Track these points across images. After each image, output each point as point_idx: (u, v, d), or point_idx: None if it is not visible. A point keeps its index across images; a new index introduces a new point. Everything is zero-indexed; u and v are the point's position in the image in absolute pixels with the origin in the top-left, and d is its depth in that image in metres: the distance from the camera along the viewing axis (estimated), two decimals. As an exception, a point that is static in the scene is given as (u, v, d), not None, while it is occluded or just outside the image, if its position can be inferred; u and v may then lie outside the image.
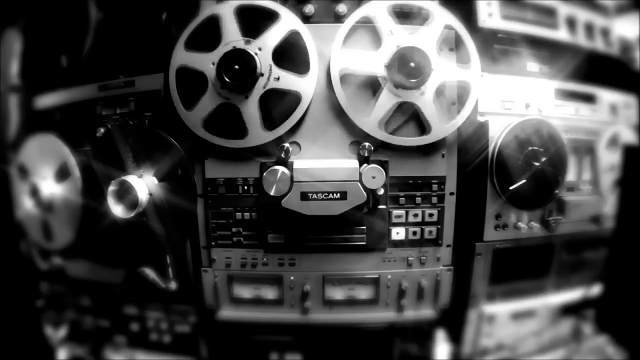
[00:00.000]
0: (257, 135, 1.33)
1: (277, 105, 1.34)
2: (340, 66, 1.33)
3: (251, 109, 1.31)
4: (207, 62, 1.31)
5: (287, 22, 1.33)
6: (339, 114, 1.36)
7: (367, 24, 1.35)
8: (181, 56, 1.34)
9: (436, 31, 1.34)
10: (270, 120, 1.34)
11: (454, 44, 1.39)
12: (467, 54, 1.36)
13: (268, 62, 1.30)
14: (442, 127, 1.34)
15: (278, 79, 1.31)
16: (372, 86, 1.35)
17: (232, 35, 1.31)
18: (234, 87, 1.28)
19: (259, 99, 1.31)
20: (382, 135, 1.33)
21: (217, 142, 1.34)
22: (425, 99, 1.32)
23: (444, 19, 1.35)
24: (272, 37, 1.31)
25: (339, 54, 1.33)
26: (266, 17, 1.33)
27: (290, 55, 1.33)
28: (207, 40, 1.32)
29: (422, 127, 1.37)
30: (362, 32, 1.37)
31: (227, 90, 1.29)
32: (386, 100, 1.32)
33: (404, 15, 1.38)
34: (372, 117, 1.33)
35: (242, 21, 1.32)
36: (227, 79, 1.26)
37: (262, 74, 1.29)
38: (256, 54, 1.28)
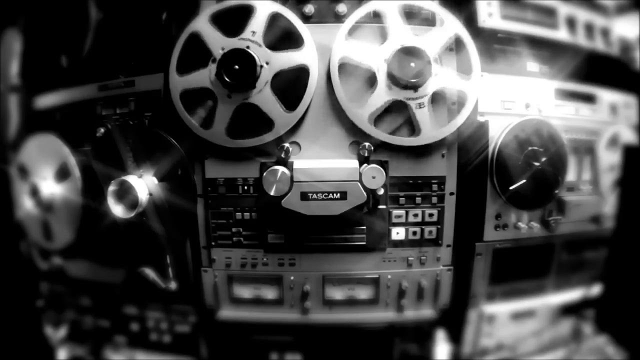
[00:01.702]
0: (283, 120, 1.33)
1: (290, 86, 1.33)
2: (341, 54, 1.33)
3: (267, 99, 1.31)
4: (206, 77, 1.31)
5: (263, 9, 1.32)
6: (339, 114, 1.36)
7: (372, 22, 1.36)
8: (178, 82, 1.34)
9: (443, 38, 1.34)
10: (288, 102, 1.33)
11: (454, 45, 1.38)
12: (468, 59, 1.35)
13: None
14: (431, 132, 1.34)
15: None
16: (370, 80, 1.35)
17: (217, 43, 1.31)
18: (240, 86, 1.28)
19: (270, 85, 1.31)
20: (370, 130, 1.33)
21: (248, 144, 1.34)
22: (419, 102, 1.31)
23: (453, 27, 1.35)
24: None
25: (341, 43, 1.33)
26: (245, 14, 1.33)
27: (284, 38, 1.33)
28: (200, 56, 1.32)
29: (414, 128, 1.36)
30: (366, 29, 1.37)
31: (236, 92, 1.29)
32: (381, 96, 1.32)
33: (410, 15, 1.37)
34: (364, 109, 1.32)
35: (222, 27, 1.32)
36: (231, 81, 1.26)
37: (262, 65, 1.29)
38: (248, 47, 1.28)
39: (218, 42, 1.31)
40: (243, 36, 1.31)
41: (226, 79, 1.26)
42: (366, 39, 1.36)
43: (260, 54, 1.29)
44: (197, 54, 1.33)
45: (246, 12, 1.33)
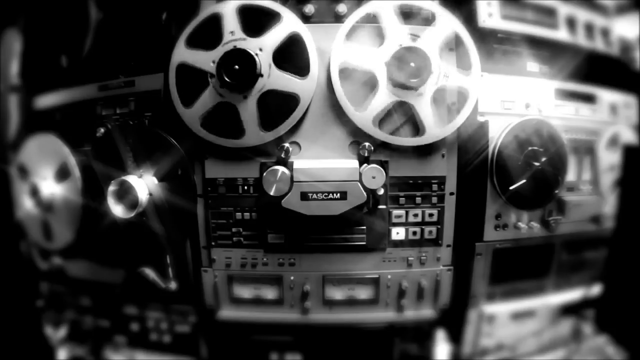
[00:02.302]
0: (254, 135, 1.33)
1: (276, 106, 1.34)
2: (341, 59, 1.33)
3: (249, 109, 1.32)
4: (207, 61, 1.31)
5: (289, 23, 1.33)
6: (339, 114, 1.36)
7: (371, 22, 1.35)
8: (182, 53, 1.34)
9: (440, 35, 1.34)
10: (268, 121, 1.34)
11: (454, 44, 1.38)
12: (468, 58, 1.35)
13: (268, 62, 1.30)
14: (436, 130, 1.34)
15: (277, 80, 1.31)
16: (371, 83, 1.35)
17: (233, 33, 1.31)
18: (233, 86, 1.28)
19: (258, 99, 1.31)
20: (375, 132, 1.33)
21: (213, 140, 1.34)
22: (422, 101, 1.31)
23: (451, 24, 1.34)
24: (273, 38, 1.31)
25: (340, 47, 1.33)
26: (268, 18, 1.33)
27: (291, 56, 1.33)
28: (208, 39, 1.32)
29: (418, 128, 1.36)
30: (365, 30, 1.37)
31: (227, 89, 1.30)
32: (383, 98, 1.32)
33: (409, 15, 1.37)
34: (367, 112, 1.32)
35: (243, 20, 1.32)
36: (227, 79, 1.26)
37: (261, 75, 1.29)
38: (257, 54, 1.28)
39: (207, 59, 1.31)
40: (225, 41, 1.31)
41: (224, 75, 1.26)
42: (365, 42, 1.36)
43: (250, 46, 1.29)
44: (207, 35, 1.33)
45: (271, 18, 1.33)
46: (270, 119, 1.34)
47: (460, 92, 1.36)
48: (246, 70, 1.27)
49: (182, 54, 1.34)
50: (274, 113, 1.34)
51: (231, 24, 1.31)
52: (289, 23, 1.33)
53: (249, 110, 1.32)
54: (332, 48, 1.33)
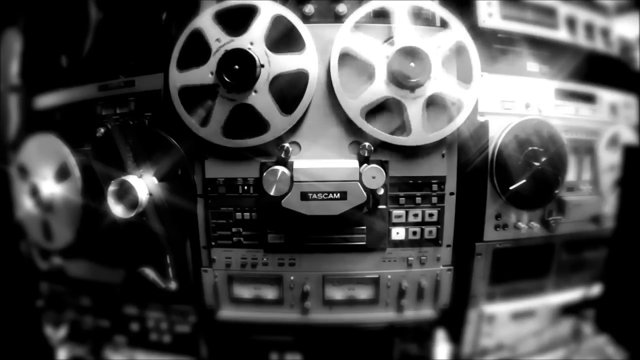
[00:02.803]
0: (279, 123, 1.33)
1: (289, 88, 1.33)
2: (344, 44, 1.33)
3: (264, 101, 1.31)
4: (205, 74, 1.31)
5: (267, 10, 1.32)
6: (339, 113, 1.36)
7: (377, 20, 1.36)
8: (177, 78, 1.34)
9: (446, 43, 1.34)
10: (287, 104, 1.33)
11: (457, 51, 1.38)
12: (468, 65, 1.35)
13: (264, 52, 1.30)
14: (422, 134, 1.33)
15: (279, 63, 1.31)
16: (369, 75, 1.34)
17: (256, 34, 1.31)
18: (239, 86, 1.28)
19: (269, 88, 1.31)
20: (360, 122, 1.33)
21: (242, 144, 1.34)
22: (414, 103, 1.31)
23: (458, 33, 1.35)
24: (258, 28, 1.31)
25: (346, 33, 1.33)
26: (246, 14, 1.33)
27: (286, 40, 1.33)
28: (198, 55, 1.32)
29: (404, 127, 1.36)
30: (371, 25, 1.37)
31: (235, 92, 1.29)
32: (377, 91, 1.32)
33: (418, 17, 1.37)
34: (357, 101, 1.32)
35: (223, 25, 1.32)
36: (231, 81, 1.26)
37: (262, 65, 1.29)
38: (249, 48, 1.28)
39: (204, 73, 1.31)
40: (245, 36, 1.31)
41: (226, 78, 1.26)
42: (370, 35, 1.36)
43: (261, 55, 1.29)
44: (198, 52, 1.32)
45: (251, 14, 1.33)
46: (288, 101, 1.33)
47: (456, 100, 1.35)
48: (246, 66, 1.27)
49: (178, 79, 1.34)
50: (289, 95, 1.33)
51: (213, 32, 1.32)
52: (266, 9, 1.32)
53: (265, 102, 1.31)
54: (332, 42, 1.33)
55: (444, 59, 1.33)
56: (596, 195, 1.61)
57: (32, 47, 1.75)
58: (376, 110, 1.36)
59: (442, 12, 1.36)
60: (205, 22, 1.33)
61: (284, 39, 1.34)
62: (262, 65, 1.29)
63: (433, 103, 1.35)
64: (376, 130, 1.34)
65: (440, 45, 1.33)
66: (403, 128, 1.35)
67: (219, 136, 1.33)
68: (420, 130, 1.33)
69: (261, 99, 1.31)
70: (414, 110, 1.32)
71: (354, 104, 1.33)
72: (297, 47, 1.33)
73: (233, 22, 1.33)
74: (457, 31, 1.35)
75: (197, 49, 1.33)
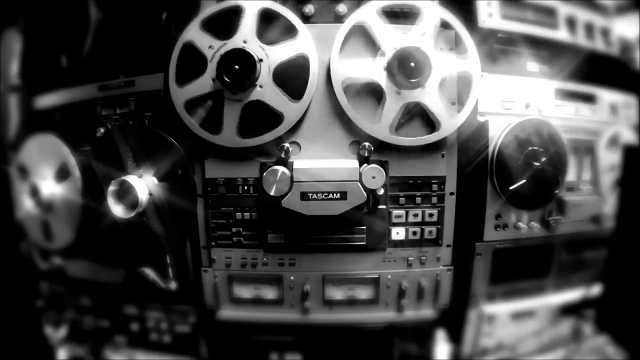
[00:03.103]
0: (228, 137, 1.33)
1: (259, 117, 1.33)
2: (343, 76, 1.33)
3: (272, 93, 1.31)
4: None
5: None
6: (339, 114, 1.36)
7: (361, 33, 1.35)
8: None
9: (430, 26, 1.34)
10: (247, 128, 1.33)
11: (454, 44, 1.38)
12: (461, 41, 1.36)
13: (268, 73, 1.30)
14: (451, 120, 1.33)
15: (270, 93, 1.31)
16: (375, 91, 1.35)
17: (246, 32, 1.31)
18: (243, 84, 1.28)
19: (246, 104, 1.31)
20: (396, 140, 1.33)
21: (190, 125, 1.33)
22: (430, 96, 1.31)
23: (435, 12, 1.34)
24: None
25: (338, 63, 1.33)
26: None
27: (291, 73, 1.33)
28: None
29: (431, 124, 1.36)
30: (359, 36, 1.37)
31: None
32: (392, 104, 1.32)
33: (395, 15, 1.37)
34: (382, 123, 1.32)
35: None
36: (233, 81, 1.26)
37: (261, 60, 1.29)
38: (261, 60, 1.28)
39: (246, 34, 1.31)
40: (236, 37, 1.31)
41: (226, 79, 1.26)
42: (361, 50, 1.36)
43: (257, 50, 1.29)
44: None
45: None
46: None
47: (460, 88, 1.35)
48: (246, 64, 1.26)
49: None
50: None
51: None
52: (301, 42, 1.33)
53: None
54: (332, 43, 1.33)
55: (435, 42, 1.33)
56: (596, 195, 1.61)
57: (32, 47, 1.75)
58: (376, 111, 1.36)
59: (442, 13, 1.36)
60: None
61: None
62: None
63: (444, 88, 1.35)
64: (413, 139, 1.34)
65: (425, 31, 1.33)
66: (424, 122, 1.36)
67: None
68: (447, 117, 1.33)
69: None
70: (433, 103, 1.31)
71: (380, 127, 1.33)
72: (295, 91, 1.33)
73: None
74: (432, 10, 1.35)
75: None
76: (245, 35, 1.31)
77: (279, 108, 1.32)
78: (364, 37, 1.36)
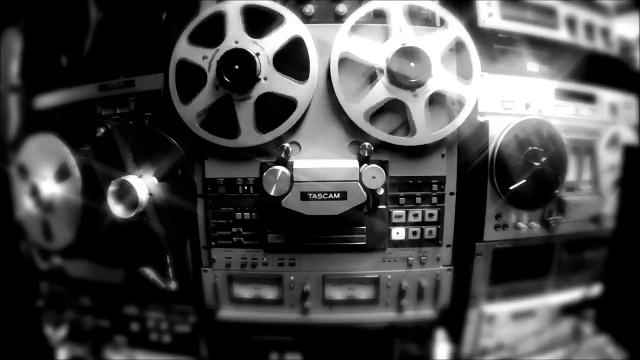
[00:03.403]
0: (249, 136, 1.33)
1: (274, 108, 1.33)
2: (343, 48, 1.32)
3: (246, 110, 1.32)
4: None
5: (291, 26, 1.32)
6: (339, 114, 1.36)
7: (377, 19, 1.35)
8: (183, 49, 1.34)
9: (444, 40, 1.34)
10: (264, 123, 1.34)
11: (456, 47, 1.38)
12: (469, 65, 1.35)
13: (268, 64, 1.30)
14: (426, 133, 1.33)
15: (276, 82, 1.31)
16: (370, 78, 1.34)
17: (235, 33, 1.31)
18: (232, 86, 1.28)
19: (256, 100, 1.31)
20: (365, 126, 1.33)
21: (209, 138, 1.34)
22: (417, 102, 1.31)
23: (455, 30, 1.35)
24: (275, 40, 1.31)
25: (344, 37, 1.33)
26: (270, 19, 1.33)
27: (291, 58, 1.33)
28: (209, 37, 1.32)
29: (408, 128, 1.36)
30: (369, 27, 1.37)
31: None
32: (378, 93, 1.32)
33: (415, 16, 1.37)
34: (360, 104, 1.32)
35: (246, 20, 1.32)
36: (226, 79, 1.26)
37: (257, 53, 1.29)
38: (258, 54, 1.28)
39: (235, 34, 1.31)
40: (227, 40, 1.31)
41: (229, 81, 1.26)
42: (368, 37, 1.36)
43: (251, 46, 1.29)
44: (208, 34, 1.33)
45: (274, 20, 1.33)
46: (267, 120, 1.33)
47: (458, 97, 1.35)
48: (246, 71, 1.27)
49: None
50: (271, 115, 1.33)
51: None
52: (291, 25, 1.33)
53: (246, 111, 1.32)
54: (332, 42, 1.33)
55: (443, 57, 1.33)
56: (596, 195, 1.61)
57: (32, 47, 1.75)
58: (377, 110, 1.36)
59: (439, 10, 1.36)
60: (232, 9, 1.32)
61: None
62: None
63: (436, 100, 1.35)
64: (381, 133, 1.34)
65: (438, 42, 1.33)
66: (405, 127, 1.35)
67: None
68: (425, 128, 1.33)
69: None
70: (417, 109, 1.32)
71: (357, 108, 1.33)
72: (301, 73, 1.33)
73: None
74: (455, 27, 1.35)
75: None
76: (235, 36, 1.31)
77: (289, 93, 1.32)
78: (374, 30, 1.36)
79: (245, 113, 1.32)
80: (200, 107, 1.33)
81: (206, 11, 1.35)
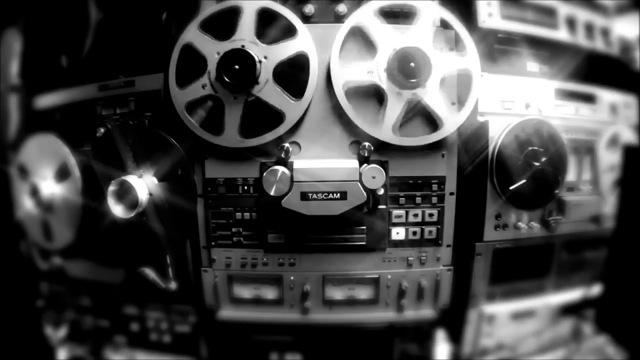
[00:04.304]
0: (230, 138, 1.33)
1: (261, 117, 1.33)
2: (343, 80, 1.33)
3: (234, 111, 1.32)
4: (213, 50, 1.31)
5: (301, 42, 1.33)
6: (339, 114, 1.36)
7: (360, 36, 1.36)
8: (193, 34, 1.34)
9: (427, 25, 1.33)
10: (248, 128, 1.33)
11: (454, 44, 1.38)
12: (459, 39, 1.35)
13: (268, 72, 1.31)
14: (453, 118, 1.33)
15: (271, 92, 1.31)
16: (377, 92, 1.35)
17: (245, 33, 1.31)
18: (228, 85, 1.28)
19: (246, 104, 1.31)
20: (401, 141, 1.33)
21: (192, 127, 1.34)
22: (431, 95, 1.31)
23: (433, 12, 1.34)
24: (282, 50, 1.32)
25: (338, 66, 1.33)
26: (282, 28, 1.34)
27: (291, 71, 1.33)
28: (219, 30, 1.33)
29: (433, 123, 1.36)
30: (358, 37, 1.37)
31: (222, 86, 1.30)
32: (394, 105, 1.32)
33: (393, 15, 1.37)
34: (385, 125, 1.32)
35: (258, 22, 1.33)
36: (225, 77, 1.26)
37: (258, 82, 1.30)
38: (260, 61, 1.28)
39: (245, 33, 1.31)
40: (236, 37, 1.31)
41: (226, 79, 1.26)
42: (360, 50, 1.36)
43: (257, 50, 1.29)
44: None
45: (285, 30, 1.34)
46: (251, 126, 1.33)
47: (464, 71, 1.35)
48: (245, 73, 1.27)
49: (193, 35, 1.33)
50: (256, 121, 1.33)
51: (247, 22, 1.32)
52: (301, 41, 1.33)
53: (235, 111, 1.32)
54: (332, 42, 1.33)
55: (434, 40, 1.33)
56: (596, 195, 1.61)
57: (32, 47, 1.75)
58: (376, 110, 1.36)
59: (442, 13, 1.36)
60: (249, 8, 1.32)
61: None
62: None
63: (444, 86, 1.35)
64: (419, 138, 1.34)
65: (424, 30, 1.33)
66: (427, 120, 1.36)
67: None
68: (449, 115, 1.33)
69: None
70: (434, 101, 1.31)
71: (384, 130, 1.33)
72: (296, 90, 1.33)
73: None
74: (429, 9, 1.35)
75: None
76: (245, 35, 1.31)
77: (280, 107, 1.32)
78: (363, 38, 1.36)
79: (234, 114, 1.32)
80: (193, 96, 1.33)
81: (225, 2, 1.34)
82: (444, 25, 1.37)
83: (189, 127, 1.34)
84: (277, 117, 1.33)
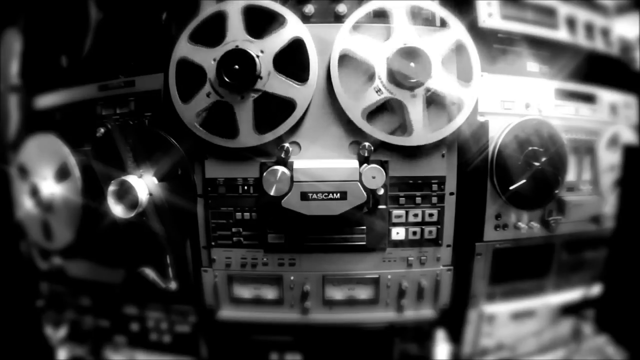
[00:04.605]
0: (248, 137, 1.33)
1: (273, 109, 1.33)
2: (344, 45, 1.32)
3: (245, 110, 1.32)
4: (208, 58, 1.31)
5: (292, 27, 1.32)
6: (339, 113, 1.36)
7: (376, 21, 1.36)
8: (184, 48, 1.34)
9: (446, 42, 1.34)
10: (263, 123, 1.34)
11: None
12: (468, 65, 1.35)
13: (268, 65, 1.30)
14: (423, 134, 1.33)
15: (276, 83, 1.31)
16: (369, 76, 1.34)
17: (236, 33, 1.31)
18: (232, 86, 1.28)
19: (255, 101, 1.31)
20: (361, 123, 1.33)
21: (208, 138, 1.34)
22: (415, 102, 1.31)
23: (457, 32, 1.35)
24: (276, 41, 1.31)
25: (346, 34, 1.33)
26: (272, 20, 1.33)
27: (292, 60, 1.33)
28: (209, 38, 1.32)
29: (406, 128, 1.36)
30: (370, 26, 1.37)
31: (225, 89, 1.30)
32: (415, 108, 1.31)
33: (416, 17, 1.37)
34: (358, 102, 1.32)
35: (247, 21, 1.32)
36: (226, 79, 1.26)
37: (260, 77, 1.29)
38: (258, 56, 1.28)
39: (236, 34, 1.31)
40: (227, 40, 1.31)
41: (228, 81, 1.26)
42: (369, 35, 1.36)
43: (252, 46, 1.29)
44: (209, 34, 1.33)
45: (275, 21, 1.33)
46: (266, 121, 1.33)
47: (457, 99, 1.35)
48: (245, 71, 1.27)
49: (184, 49, 1.33)
50: (269, 115, 1.33)
51: (235, 23, 1.31)
52: (292, 27, 1.33)
53: (245, 111, 1.32)
54: (333, 41, 1.33)
55: (443, 58, 1.33)
56: (596, 195, 1.61)
57: (32, 47, 1.75)
58: (376, 110, 1.36)
59: (442, 12, 1.36)
60: (233, 9, 1.31)
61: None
62: (260, 77, 1.29)
63: (433, 102, 1.35)
64: (376, 131, 1.34)
65: (439, 44, 1.33)
66: (404, 127, 1.35)
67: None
68: (422, 129, 1.33)
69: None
70: (415, 110, 1.32)
71: (355, 105, 1.33)
72: (301, 75, 1.32)
73: (255, 23, 1.32)
74: (456, 30, 1.35)
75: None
76: (236, 36, 1.31)
77: (289, 94, 1.32)
78: (375, 29, 1.36)
79: (245, 113, 1.32)
80: (199, 107, 1.33)
81: (207, 11, 1.35)
82: (415, 10, 1.37)
83: (203, 138, 1.34)
84: (288, 105, 1.33)
